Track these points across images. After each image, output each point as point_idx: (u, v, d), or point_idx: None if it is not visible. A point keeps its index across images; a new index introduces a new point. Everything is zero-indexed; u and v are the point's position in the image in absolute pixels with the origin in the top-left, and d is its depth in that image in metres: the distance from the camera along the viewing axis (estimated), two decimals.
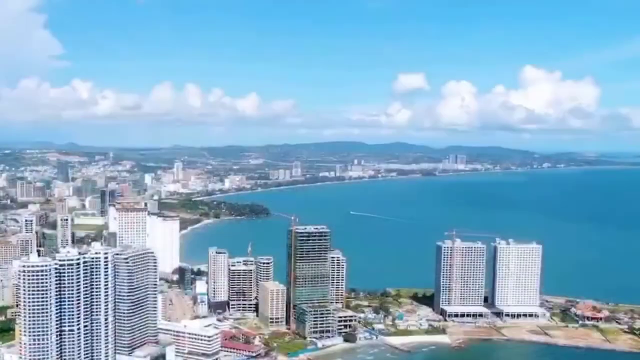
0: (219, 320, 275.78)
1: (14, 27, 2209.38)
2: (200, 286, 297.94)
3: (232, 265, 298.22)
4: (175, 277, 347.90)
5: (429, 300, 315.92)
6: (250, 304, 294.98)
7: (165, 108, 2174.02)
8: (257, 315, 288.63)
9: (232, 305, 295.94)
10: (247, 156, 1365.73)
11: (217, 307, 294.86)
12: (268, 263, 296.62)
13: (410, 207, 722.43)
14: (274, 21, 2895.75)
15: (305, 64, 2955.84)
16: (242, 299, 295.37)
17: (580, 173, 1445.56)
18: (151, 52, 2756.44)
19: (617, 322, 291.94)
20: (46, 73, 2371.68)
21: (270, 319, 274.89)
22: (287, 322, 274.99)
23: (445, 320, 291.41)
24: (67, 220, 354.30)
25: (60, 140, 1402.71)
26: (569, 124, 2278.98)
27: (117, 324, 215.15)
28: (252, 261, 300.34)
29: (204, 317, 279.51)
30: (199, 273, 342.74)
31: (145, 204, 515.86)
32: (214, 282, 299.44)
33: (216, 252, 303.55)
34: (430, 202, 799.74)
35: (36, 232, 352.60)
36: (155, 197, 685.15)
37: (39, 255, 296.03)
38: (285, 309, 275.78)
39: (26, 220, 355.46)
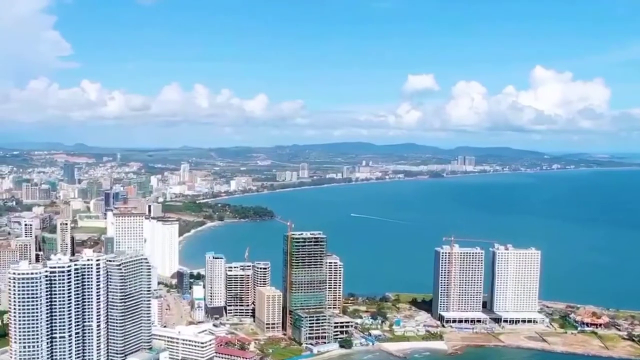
0: (215, 325, 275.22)
1: (23, 28, 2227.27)
2: (198, 291, 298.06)
3: (229, 270, 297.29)
4: (174, 281, 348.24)
5: (428, 306, 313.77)
6: (247, 309, 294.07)
7: (173, 109, 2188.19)
8: (254, 321, 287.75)
9: (229, 310, 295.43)
10: (255, 157, 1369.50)
11: (214, 312, 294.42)
12: (265, 268, 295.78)
13: (413, 209, 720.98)
14: (282, 22, 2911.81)
15: (313, 65, 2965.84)
16: (239, 304, 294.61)
17: (590, 174, 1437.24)
18: (159, 54, 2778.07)
19: (616, 328, 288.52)
20: (55, 74, 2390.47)
21: (267, 324, 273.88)
22: (284, 328, 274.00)
23: (443, 326, 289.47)
24: (66, 224, 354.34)
25: (68, 141, 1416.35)
26: (579, 125, 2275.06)
27: (109, 330, 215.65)
28: (249, 266, 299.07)
29: (200, 322, 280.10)
30: (199, 277, 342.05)
31: (149, 207, 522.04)
32: (211, 287, 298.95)
33: (213, 257, 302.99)
34: (434, 204, 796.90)
35: (36, 236, 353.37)
36: (160, 200, 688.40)
37: (37, 260, 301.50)
38: (281, 314, 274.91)
39: (26, 225, 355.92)
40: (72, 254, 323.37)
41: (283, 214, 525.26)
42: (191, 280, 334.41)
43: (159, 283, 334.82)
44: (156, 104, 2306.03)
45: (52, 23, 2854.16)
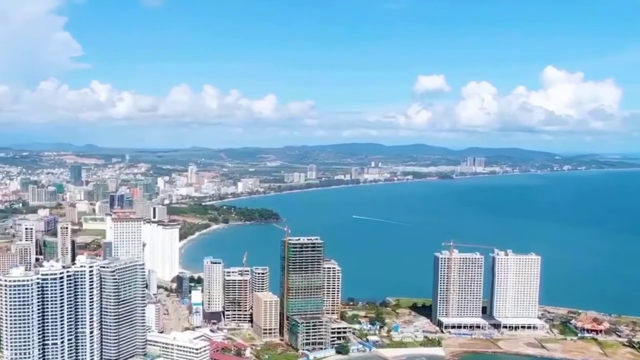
0: (212, 330, 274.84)
1: (34, 29, 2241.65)
2: (196, 296, 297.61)
3: (228, 275, 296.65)
4: (174, 285, 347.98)
5: (428, 311, 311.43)
6: (245, 314, 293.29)
7: (183, 110, 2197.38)
8: (252, 326, 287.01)
9: (227, 315, 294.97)
10: (264, 158, 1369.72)
11: (212, 317, 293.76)
12: (263, 273, 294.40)
13: (418, 211, 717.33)
14: (291, 23, 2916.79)
15: (322, 65, 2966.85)
16: (237, 309, 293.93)
17: (600, 175, 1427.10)
18: (169, 55, 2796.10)
19: (617, 334, 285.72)
20: (65, 75, 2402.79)
21: (264, 330, 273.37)
22: (281, 333, 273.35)
23: (442, 331, 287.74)
24: (67, 228, 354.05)
25: (78, 142, 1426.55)
26: (590, 126, 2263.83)
27: (103, 336, 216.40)
28: (247, 271, 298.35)
29: (197, 327, 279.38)
30: (200, 281, 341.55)
31: (154, 209, 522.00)
32: (209, 292, 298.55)
33: (211, 262, 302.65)
34: (440, 206, 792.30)
35: (37, 240, 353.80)
36: (166, 202, 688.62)
37: (37, 263, 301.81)
38: (279, 319, 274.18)
39: (26, 228, 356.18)
40: (73, 258, 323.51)
41: (287, 217, 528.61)
42: (191, 285, 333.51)
43: (158, 287, 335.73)
44: (166, 104, 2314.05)
45: (63, 24, 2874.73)
